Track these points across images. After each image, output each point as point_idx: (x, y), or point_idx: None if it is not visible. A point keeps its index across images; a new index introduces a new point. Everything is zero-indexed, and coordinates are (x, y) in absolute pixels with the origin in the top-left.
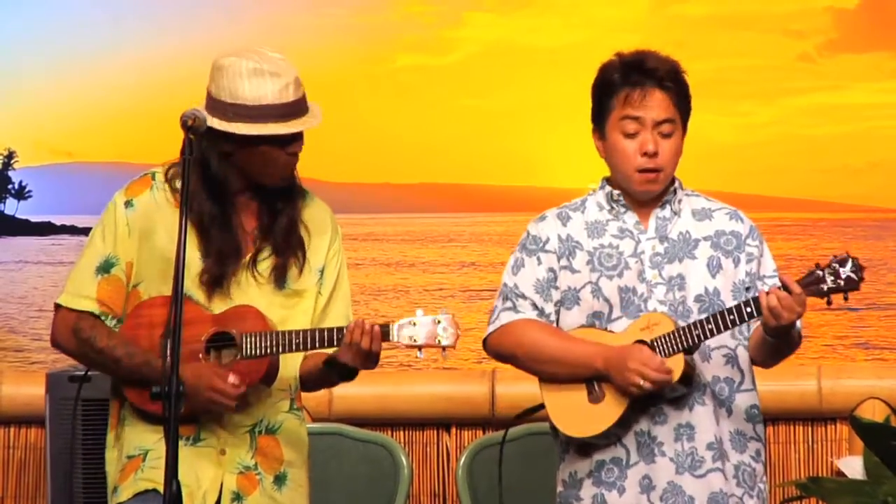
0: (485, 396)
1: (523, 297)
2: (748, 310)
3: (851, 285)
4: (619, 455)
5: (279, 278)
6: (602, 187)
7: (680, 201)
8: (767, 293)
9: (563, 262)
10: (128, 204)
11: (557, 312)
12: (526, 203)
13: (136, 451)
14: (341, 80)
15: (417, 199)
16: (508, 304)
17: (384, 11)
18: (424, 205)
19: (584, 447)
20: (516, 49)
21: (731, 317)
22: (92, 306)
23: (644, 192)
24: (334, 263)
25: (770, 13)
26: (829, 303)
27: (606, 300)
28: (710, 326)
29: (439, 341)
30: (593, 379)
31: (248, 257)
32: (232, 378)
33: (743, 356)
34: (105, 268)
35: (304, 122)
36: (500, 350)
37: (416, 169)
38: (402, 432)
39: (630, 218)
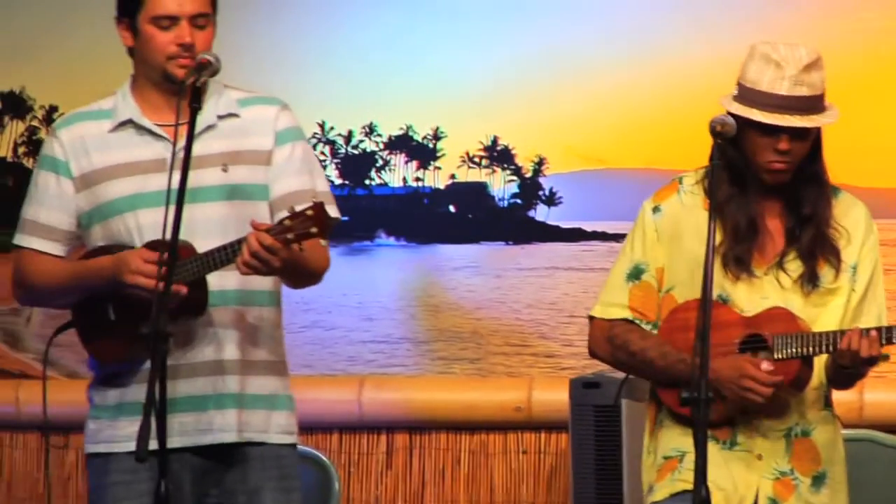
0: None
1: None
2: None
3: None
4: None
5: (810, 281)
6: None
7: None
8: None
9: None
10: (655, 210)
11: None
12: None
13: (673, 452)
14: (876, 84)
15: None
16: None
17: None
18: None
19: None
20: None
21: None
22: (624, 313)
23: None
24: (868, 260)
25: None
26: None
27: None
28: None
29: None
30: None
31: (774, 258)
32: (765, 365)
33: None
34: (635, 274)
35: (790, 118)
36: None
37: None
38: None
39: None
